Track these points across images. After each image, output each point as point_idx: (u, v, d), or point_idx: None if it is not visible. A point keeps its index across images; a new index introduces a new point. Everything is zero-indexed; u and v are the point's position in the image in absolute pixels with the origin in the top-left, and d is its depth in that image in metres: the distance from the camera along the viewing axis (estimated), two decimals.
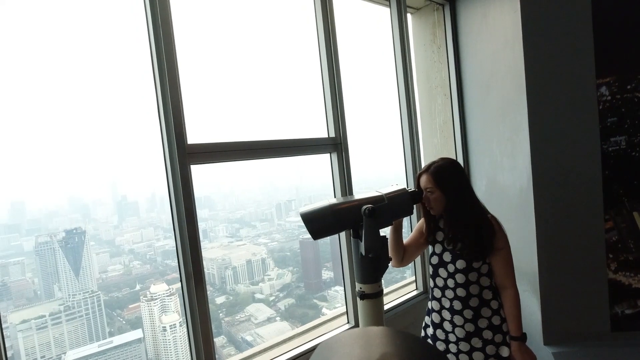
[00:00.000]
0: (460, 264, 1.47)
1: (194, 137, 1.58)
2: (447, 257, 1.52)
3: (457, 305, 1.49)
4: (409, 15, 2.84)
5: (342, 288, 2.21)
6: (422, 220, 1.64)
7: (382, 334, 0.53)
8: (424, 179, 1.50)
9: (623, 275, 2.01)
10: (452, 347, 1.52)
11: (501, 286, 1.48)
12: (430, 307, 1.61)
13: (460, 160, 2.64)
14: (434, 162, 1.52)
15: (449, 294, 1.51)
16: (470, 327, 1.47)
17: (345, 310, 2.20)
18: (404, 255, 1.63)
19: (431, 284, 1.59)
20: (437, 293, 1.56)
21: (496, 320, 1.48)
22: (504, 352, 1.47)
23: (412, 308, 2.42)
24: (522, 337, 1.46)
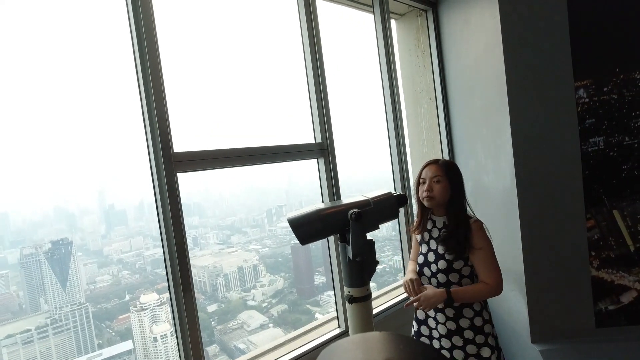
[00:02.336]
0: (442, 264, 1.51)
1: (180, 145, 1.58)
2: (431, 257, 1.56)
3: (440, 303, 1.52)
4: (392, 21, 2.89)
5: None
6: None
7: (384, 339, 0.53)
8: (432, 168, 1.55)
9: (605, 272, 2.06)
10: (435, 343, 1.56)
11: (483, 283, 1.50)
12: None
13: None
14: (441, 159, 1.61)
15: None
16: (451, 325, 1.51)
17: (335, 314, 2.21)
18: None
19: None
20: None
21: (478, 322, 1.50)
22: (485, 352, 1.49)
23: (401, 311, 2.44)
24: (448, 296, 1.43)
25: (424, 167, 1.59)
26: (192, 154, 1.61)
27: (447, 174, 1.52)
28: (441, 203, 1.54)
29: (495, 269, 1.49)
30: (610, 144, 2.03)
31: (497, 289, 1.48)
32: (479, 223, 1.51)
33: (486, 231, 1.51)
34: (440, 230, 1.56)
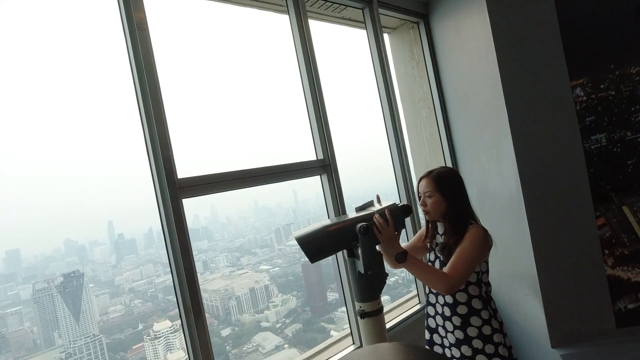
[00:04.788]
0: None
1: (183, 171, 1.60)
2: (437, 264, 1.54)
3: (447, 311, 1.51)
4: (385, 35, 2.95)
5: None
6: (423, 227, 1.68)
7: (394, 350, 0.53)
8: (423, 183, 1.53)
9: (621, 270, 2.02)
10: (447, 352, 1.53)
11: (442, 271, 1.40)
12: (427, 312, 1.63)
13: None
14: (435, 169, 1.56)
15: (441, 299, 1.54)
16: (459, 334, 1.48)
17: (350, 331, 2.18)
18: None
19: (427, 290, 1.62)
20: (432, 299, 1.59)
21: (486, 330, 1.46)
22: None
23: (416, 323, 2.40)
24: (402, 252, 1.37)
25: (418, 181, 1.57)
26: (195, 179, 1.63)
27: (439, 187, 1.49)
28: (438, 215, 1.52)
29: (459, 268, 1.36)
30: (613, 140, 2.02)
31: (448, 283, 1.34)
32: (477, 227, 1.46)
33: (482, 237, 1.43)
34: (442, 237, 1.56)
